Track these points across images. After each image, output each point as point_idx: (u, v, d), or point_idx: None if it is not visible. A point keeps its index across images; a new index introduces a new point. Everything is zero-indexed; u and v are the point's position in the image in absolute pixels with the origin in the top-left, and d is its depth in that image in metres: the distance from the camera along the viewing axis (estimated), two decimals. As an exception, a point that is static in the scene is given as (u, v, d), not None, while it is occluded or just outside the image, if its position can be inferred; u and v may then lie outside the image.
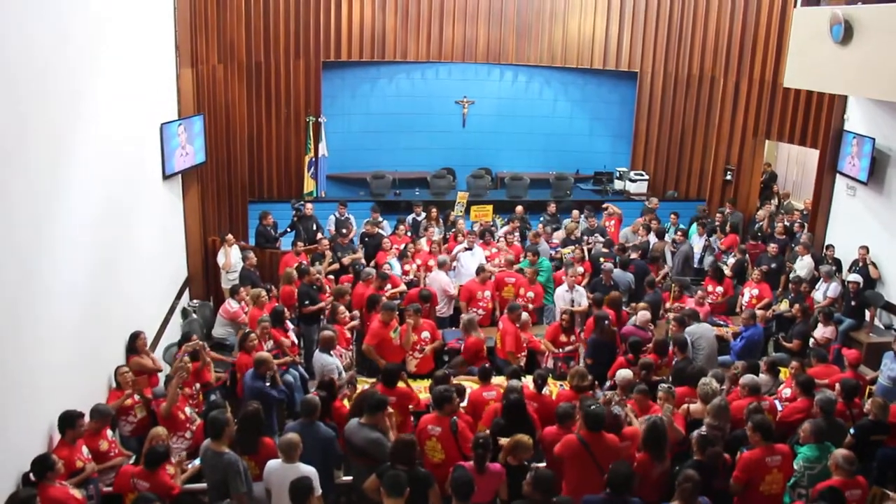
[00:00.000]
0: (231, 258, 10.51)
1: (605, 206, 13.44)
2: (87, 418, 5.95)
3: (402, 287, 10.08)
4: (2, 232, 5.12)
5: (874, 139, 10.86)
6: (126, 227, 7.95)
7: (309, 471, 5.24)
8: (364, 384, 7.73)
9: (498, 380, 7.49)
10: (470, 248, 10.89)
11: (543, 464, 5.91)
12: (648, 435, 5.80)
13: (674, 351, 8.05)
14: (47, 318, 5.83)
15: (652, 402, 6.63)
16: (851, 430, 6.47)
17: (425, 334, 8.52)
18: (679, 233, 12.03)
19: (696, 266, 11.90)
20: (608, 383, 7.76)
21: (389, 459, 5.29)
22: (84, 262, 6.65)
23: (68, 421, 5.68)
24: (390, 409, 6.62)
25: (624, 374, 7.13)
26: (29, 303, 5.54)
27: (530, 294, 9.86)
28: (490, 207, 13.03)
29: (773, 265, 11.11)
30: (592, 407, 5.81)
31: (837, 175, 12.05)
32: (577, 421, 5.95)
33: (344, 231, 11.92)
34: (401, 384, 6.87)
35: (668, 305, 10.02)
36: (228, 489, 5.41)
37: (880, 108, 10.98)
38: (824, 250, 11.45)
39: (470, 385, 7.67)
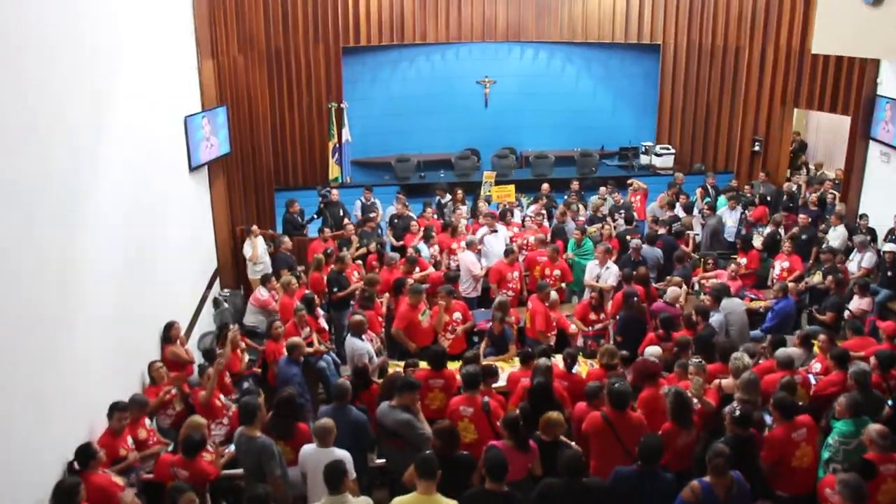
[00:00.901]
0: (258, 249, 10.59)
1: (629, 181, 13.32)
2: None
3: (430, 270, 10.09)
4: (35, 230, 5.21)
5: (908, 103, 10.61)
6: (155, 221, 8.04)
7: (343, 455, 5.29)
8: (395, 367, 7.79)
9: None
10: (495, 231, 10.85)
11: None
12: (674, 404, 5.80)
13: (696, 320, 7.99)
14: (83, 311, 5.94)
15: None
16: (889, 402, 6.35)
17: (457, 315, 8.53)
18: (706, 206, 11.88)
19: (730, 240, 11.73)
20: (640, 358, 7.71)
21: (434, 447, 5.32)
22: (116, 257, 6.74)
23: (115, 410, 5.85)
24: (432, 394, 6.70)
25: (652, 349, 7.09)
26: (65, 297, 5.64)
27: (556, 272, 9.81)
28: (511, 187, 12.95)
29: (805, 236, 10.93)
30: (616, 385, 5.79)
31: (870, 142, 11.79)
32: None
33: (371, 215, 11.95)
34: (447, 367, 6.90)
35: (695, 279, 9.91)
36: (263, 473, 5.49)
37: (914, 71, 10.71)
38: (858, 220, 11.23)
39: (500, 365, 7.70)
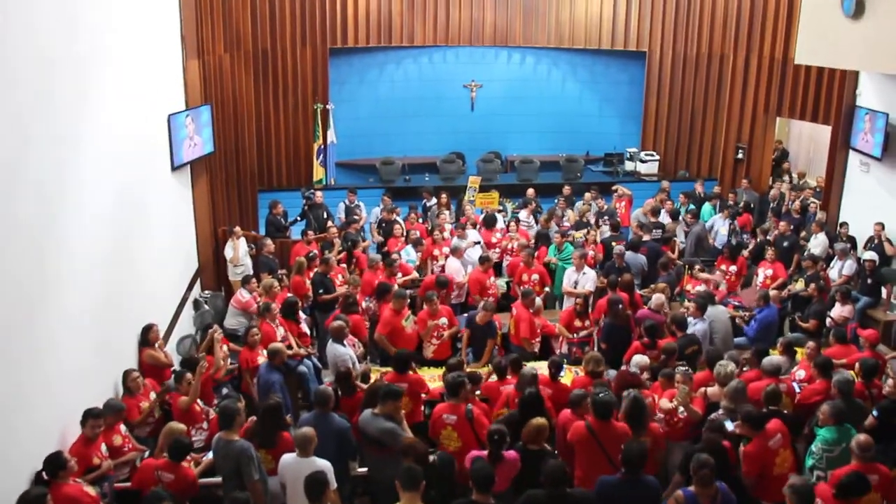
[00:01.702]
0: (239, 251, 10.49)
1: (614, 187, 13.36)
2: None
3: (415, 275, 10.05)
4: (11, 226, 5.11)
5: (888, 114, 10.71)
6: (136, 220, 7.93)
7: (324, 465, 5.23)
8: (377, 373, 7.74)
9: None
10: (479, 242, 10.84)
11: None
12: (629, 409, 5.79)
13: (672, 329, 7.98)
14: (59, 312, 5.84)
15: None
16: (874, 413, 6.38)
17: (443, 320, 8.48)
18: (689, 214, 11.95)
19: (718, 248, 11.76)
20: (623, 368, 7.71)
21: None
22: (94, 255, 6.64)
23: (88, 417, 5.70)
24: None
25: (639, 359, 7.09)
26: (40, 297, 5.54)
27: (535, 277, 9.80)
28: (496, 194, 12.88)
29: (786, 243, 11.02)
30: (601, 395, 5.77)
31: (850, 151, 11.91)
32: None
33: (355, 217, 11.88)
34: (411, 372, 6.85)
35: (685, 287, 9.95)
36: (242, 479, 5.40)
37: (894, 83, 10.81)
38: (838, 228, 11.33)
39: (483, 373, 7.67)
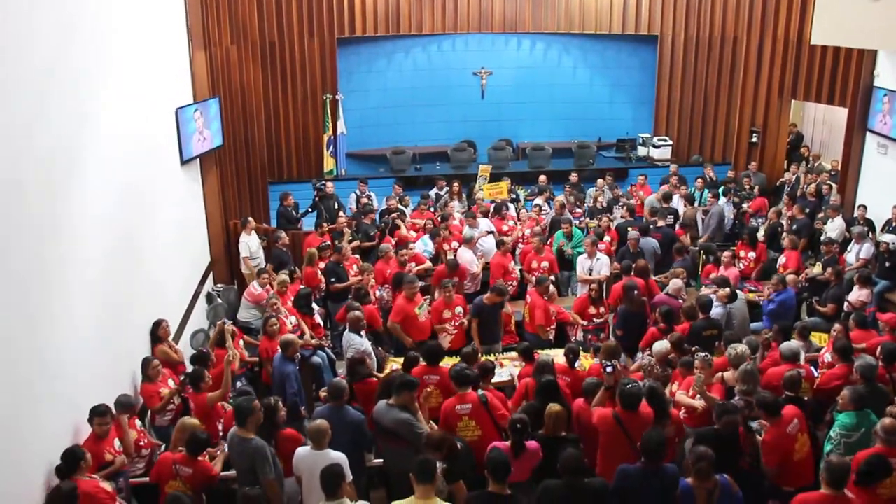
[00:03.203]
0: (251, 246, 10.45)
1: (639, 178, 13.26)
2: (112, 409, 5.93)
3: (428, 264, 9.99)
4: (17, 223, 5.06)
5: (906, 95, 10.56)
6: (145, 215, 7.90)
7: (339, 457, 5.18)
8: (393, 363, 7.69)
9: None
10: (491, 232, 10.79)
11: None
12: (648, 399, 5.74)
13: (690, 314, 7.88)
14: (69, 308, 5.80)
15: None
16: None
17: (459, 309, 8.40)
18: (711, 195, 11.84)
19: (726, 231, 11.69)
20: (639, 354, 7.64)
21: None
22: (104, 252, 6.60)
23: (94, 415, 5.67)
24: (429, 389, 6.57)
25: (659, 346, 7.01)
26: (49, 294, 5.50)
27: (545, 264, 9.73)
28: (504, 184, 12.70)
29: (795, 227, 10.89)
30: (629, 386, 5.70)
31: (868, 133, 11.74)
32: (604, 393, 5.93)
33: (371, 207, 11.85)
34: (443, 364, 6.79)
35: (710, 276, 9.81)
36: (257, 476, 5.37)
37: (912, 63, 10.65)
38: (856, 210, 11.18)
39: (500, 362, 7.64)
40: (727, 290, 8.33)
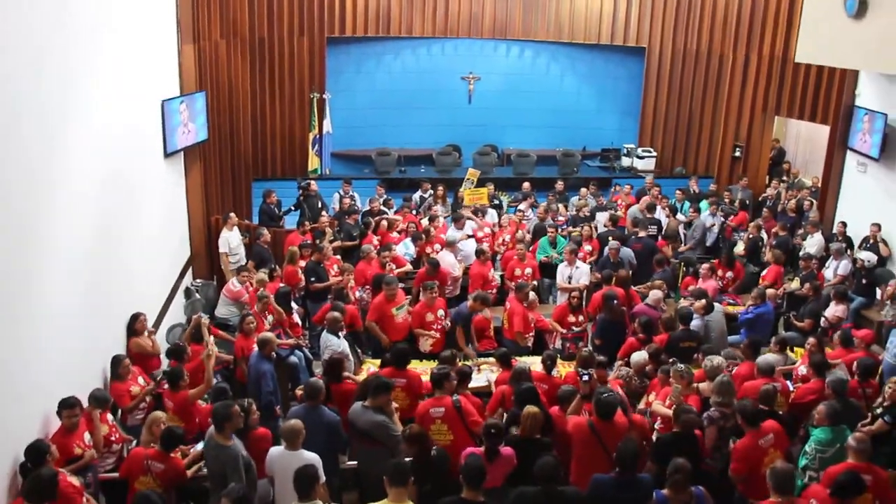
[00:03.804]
0: (233, 242, 10.38)
1: (617, 187, 13.30)
2: (85, 403, 5.86)
3: (409, 267, 9.98)
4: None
5: (886, 115, 10.69)
6: (127, 207, 7.82)
7: (312, 458, 5.15)
8: (371, 365, 7.66)
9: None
10: (471, 235, 10.79)
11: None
12: (597, 407, 5.73)
13: (669, 325, 7.98)
14: (45, 299, 5.73)
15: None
16: (886, 417, 6.29)
17: (441, 312, 8.38)
18: (692, 209, 11.91)
19: (708, 244, 11.76)
20: (617, 363, 7.66)
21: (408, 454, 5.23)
22: (83, 243, 6.54)
23: (63, 408, 5.59)
24: (396, 392, 6.55)
25: (637, 357, 7.04)
26: (26, 284, 5.44)
27: (528, 271, 9.74)
28: (485, 190, 12.68)
29: (776, 243, 10.96)
30: (604, 395, 5.72)
31: (848, 151, 11.88)
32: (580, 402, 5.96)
33: (355, 208, 11.82)
34: (411, 367, 6.78)
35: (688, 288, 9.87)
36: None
37: (893, 83, 10.79)
38: (836, 227, 11.30)
39: (478, 367, 7.63)
40: (703, 301, 8.38)
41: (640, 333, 7.78)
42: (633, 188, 13.31)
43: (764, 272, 10.09)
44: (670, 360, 6.91)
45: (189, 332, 7.75)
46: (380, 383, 5.90)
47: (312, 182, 12.33)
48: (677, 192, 12.93)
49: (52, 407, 5.63)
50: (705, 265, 9.81)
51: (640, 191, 13.12)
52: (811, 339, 7.49)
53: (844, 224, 11.16)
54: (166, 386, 6.70)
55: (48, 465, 4.98)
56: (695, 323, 8.17)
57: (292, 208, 12.08)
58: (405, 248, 10.41)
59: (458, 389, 6.23)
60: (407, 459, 5.15)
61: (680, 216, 12.11)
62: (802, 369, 7.26)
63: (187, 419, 6.39)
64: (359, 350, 8.13)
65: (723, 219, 11.90)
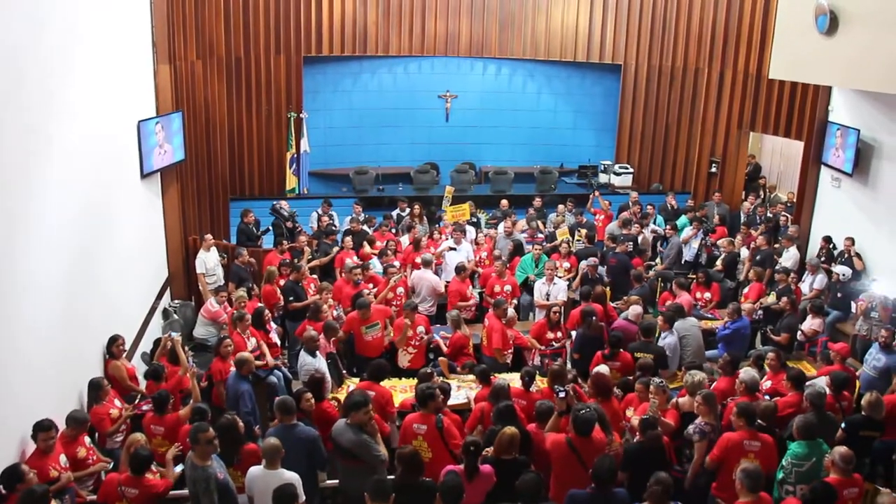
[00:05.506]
0: (210, 262, 10.30)
1: (593, 197, 13.40)
2: (62, 426, 5.77)
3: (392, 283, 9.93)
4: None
5: (859, 130, 10.85)
6: (103, 227, 7.77)
7: (292, 477, 5.10)
8: (351, 383, 7.63)
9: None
10: (455, 248, 10.78)
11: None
12: (575, 423, 5.73)
13: (637, 335, 8.08)
14: (21, 320, 5.66)
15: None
16: (843, 426, 6.39)
17: (420, 329, 8.40)
18: (669, 227, 11.99)
19: (688, 260, 11.82)
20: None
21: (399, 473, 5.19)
22: (60, 263, 6.47)
23: (38, 430, 5.51)
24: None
25: (598, 370, 7.06)
26: (2, 305, 5.37)
27: (507, 288, 9.76)
28: (466, 206, 12.68)
29: (758, 257, 11.07)
30: (582, 412, 5.71)
31: (822, 167, 12.04)
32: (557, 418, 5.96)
33: (333, 228, 11.77)
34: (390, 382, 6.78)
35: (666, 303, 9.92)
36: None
37: (865, 99, 10.95)
38: (820, 241, 11.39)
39: (457, 384, 7.61)
40: (663, 317, 8.46)
41: (606, 348, 7.82)
42: (611, 205, 13.37)
43: (746, 289, 10.16)
44: (636, 376, 6.94)
45: (160, 352, 7.68)
46: (354, 401, 5.85)
47: (283, 202, 12.28)
48: (648, 206, 13.01)
49: (28, 430, 5.54)
50: (680, 280, 9.86)
51: (623, 207, 13.19)
52: (770, 354, 7.57)
53: (828, 239, 11.24)
54: (145, 408, 6.61)
55: (19, 490, 4.88)
56: (669, 340, 8.23)
57: (269, 228, 12.03)
58: (375, 266, 10.33)
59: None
60: (390, 478, 5.10)
61: (654, 226, 12.17)
62: (766, 384, 7.33)
63: (182, 440, 6.27)
64: (340, 368, 8.08)
65: (703, 236, 11.99)
